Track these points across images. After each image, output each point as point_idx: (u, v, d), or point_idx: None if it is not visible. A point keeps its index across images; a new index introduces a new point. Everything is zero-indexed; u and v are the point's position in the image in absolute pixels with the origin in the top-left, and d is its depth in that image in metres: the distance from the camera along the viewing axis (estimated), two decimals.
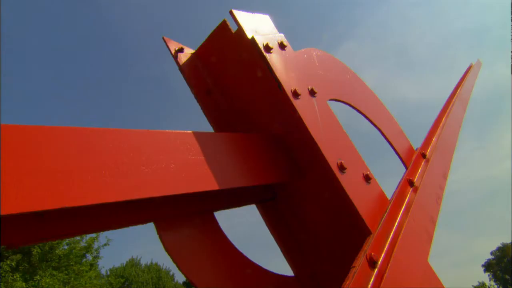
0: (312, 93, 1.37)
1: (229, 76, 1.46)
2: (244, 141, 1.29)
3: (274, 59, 1.33)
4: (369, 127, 1.61)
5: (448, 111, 2.13)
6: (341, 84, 1.55)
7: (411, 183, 1.43)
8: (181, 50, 1.49)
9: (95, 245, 21.25)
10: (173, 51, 1.47)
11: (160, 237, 1.06)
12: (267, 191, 1.43)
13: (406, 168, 1.55)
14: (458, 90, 2.46)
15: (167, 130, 1.10)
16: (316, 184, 1.35)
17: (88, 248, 20.97)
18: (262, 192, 1.43)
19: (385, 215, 1.27)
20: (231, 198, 1.32)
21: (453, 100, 2.33)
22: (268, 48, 1.33)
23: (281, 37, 1.42)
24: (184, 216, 1.15)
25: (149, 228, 1.12)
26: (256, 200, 1.42)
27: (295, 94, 1.30)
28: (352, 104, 1.51)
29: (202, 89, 1.48)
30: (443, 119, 1.99)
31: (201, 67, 1.49)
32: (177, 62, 1.47)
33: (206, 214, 1.22)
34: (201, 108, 1.50)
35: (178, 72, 1.49)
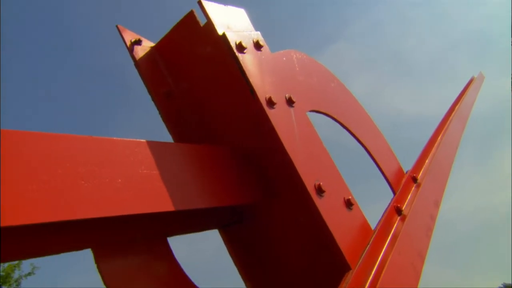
0: (290, 102, 1.38)
1: (194, 77, 1.45)
2: (209, 155, 1.28)
3: (248, 60, 1.33)
4: (356, 143, 1.63)
5: (444, 129, 2.19)
6: (324, 93, 1.57)
7: (398, 211, 1.46)
8: (138, 42, 1.48)
9: (16, 275, 19.64)
10: (128, 43, 1.46)
11: (98, 267, 1.02)
12: (233, 214, 1.43)
13: (394, 193, 1.58)
14: (457, 106, 2.56)
15: (115, 138, 1.08)
16: (289, 208, 1.35)
17: (5, 278, 19.26)
18: (227, 215, 1.42)
19: (367, 247, 1.30)
20: (189, 221, 1.31)
21: (451, 117, 2.42)
22: (241, 48, 1.34)
23: (257, 35, 1.43)
24: (129, 242, 1.12)
25: (87, 254, 1.10)
26: (219, 224, 1.42)
27: (270, 103, 1.31)
28: (335, 117, 1.53)
29: (161, 90, 1.46)
30: (439, 138, 2.05)
31: (161, 64, 1.47)
32: (133, 56, 1.45)
33: (157, 240, 1.20)
34: (159, 113, 1.50)
35: (135, 67, 1.50)
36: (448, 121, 2.35)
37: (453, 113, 2.46)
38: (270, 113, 1.31)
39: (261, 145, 1.38)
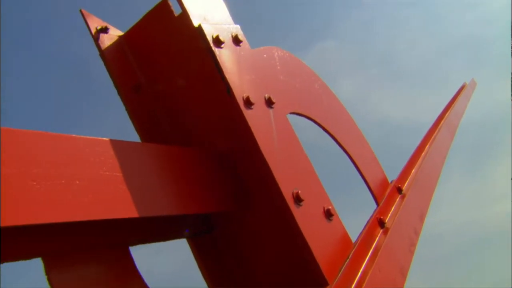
0: (269, 103, 1.36)
1: (166, 71, 1.41)
2: (178, 157, 1.24)
3: (225, 56, 1.30)
4: (339, 149, 1.62)
5: (432, 137, 2.20)
6: (306, 95, 1.55)
7: (381, 223, 1.45)
8: (104, 30, 1.41)
9: None
10: (93, 30, 1.41)
11: (48, 278, 0.95)
12: (203, 222, 1.39)
13: (377, 204, 1.58)
14: (447, 114, 2.59)
15: (74, 135, 1.00)
16: (264, 217, 1.33)
17: None
18: (196, 223, 1.38)
19: (346, 261, 1.28)
20: (155, 229, 1.27)
21: (440, 124, 2.44)
22: (218, 42, 1.30)
23: (236, 29, 1.40)
24: (86, 251, 1.07)
25: (37, 264, 1.04)
26: (188, 232, 1.37)
27: (248, 103, 1.28)
28: (317, 120, 1.51)
29: (129, 83, 1.42)
30: (426, 147, 2.06)
31: (130, 55, 1.43)
32: (98, 45, 1.40)
33: (118, 249, 1.15)
34: (126, 109, 1.45)
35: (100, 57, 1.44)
36: (437, 129, 2.36)
37: (442, 121, 2.48)
38: (247, 114, 1.28)
39: (237, 149, 1.35)
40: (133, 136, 1.44)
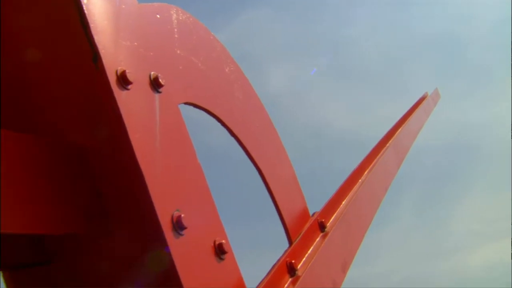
0: (155, 84, 1.27)
1: (13, 26, 1.25)
2: (8, 146, 1.07)
3: (96, 7, 1.16)
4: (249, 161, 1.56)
5: (375, 160, 2.16)
6: (212, 81, 1.48)
7: (291, 269, 1.40)
8: None
9: None
10: None
11: None
12: (37, 250, 1.24)
13: (290, 242, 1.52)
14: (398, 131, 2.55)
15: None
16: (128, 248, 1.20)
17: None
18: (26, 251, 1.23)
19: None
20: None
21: (387, 144, 2.40)
22: None
23: None
24: None
25: None
26: (10, 263, 1.22)
27: (123, 80, 1.17)
28: (223, 119, 1.44)
29: None
30: (365, 172, 2.04)
31: None
32: None
33: None
34: None
35: None
36: (382, 150, 2.32)
37: (390, 140, 2.43)
38: (120, 96, 1.15)
39: (99, 144, 1.21)
40: None
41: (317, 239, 1.60)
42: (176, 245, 1.16)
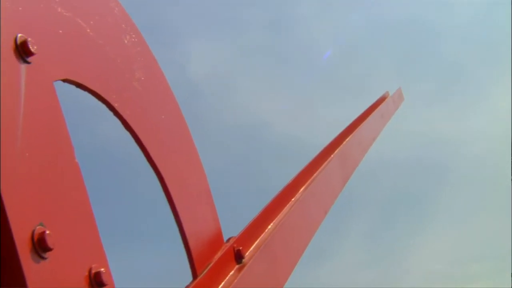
0: (22, 51, 1.19)
1: None
2: None
3: None
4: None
5: (315, 175, 2.10)
6: (104, 53, 1.42)
7: None
8: None
9: None
10: None
11: None
12: None
13: (194, 276, 1.46)
14: (347, 139, 2.46)
15: None
16: None
17: None
18: None
19: None
20: None
21: (332, 155, 2.32)
22: None
23: None
24: None
25: None
26: None
27: None
28: (115, 106, 1.38)
29: None
30: (301, 188, 1.98)
31: None
32: None
33: None
34: None
35: None
36: (326, 162, 2.24)
37: (337, 149, 2.36)
38: None
39: None
40: None
41: (231, 273, 1.56)
42: (34, 273, 1.08)
